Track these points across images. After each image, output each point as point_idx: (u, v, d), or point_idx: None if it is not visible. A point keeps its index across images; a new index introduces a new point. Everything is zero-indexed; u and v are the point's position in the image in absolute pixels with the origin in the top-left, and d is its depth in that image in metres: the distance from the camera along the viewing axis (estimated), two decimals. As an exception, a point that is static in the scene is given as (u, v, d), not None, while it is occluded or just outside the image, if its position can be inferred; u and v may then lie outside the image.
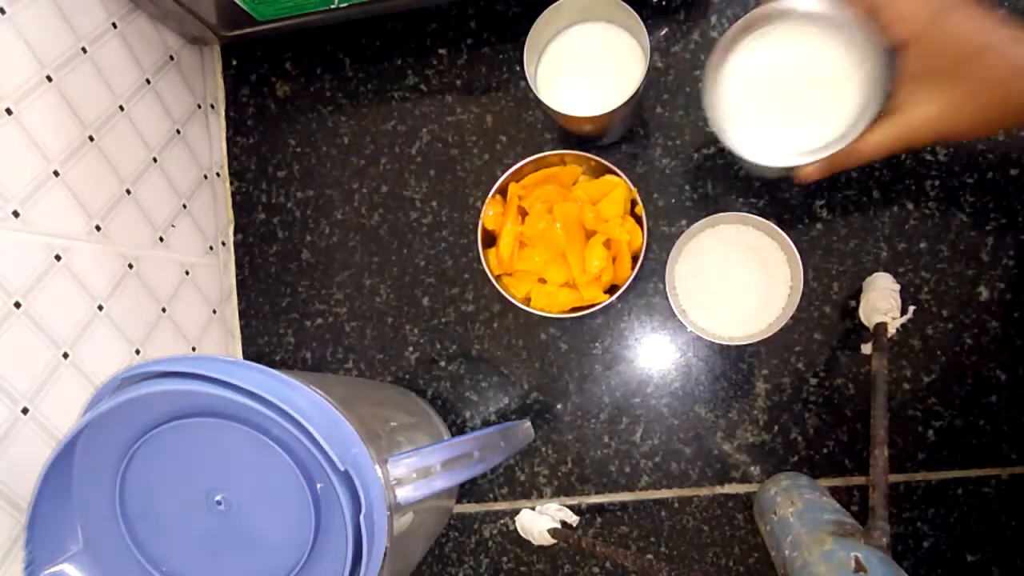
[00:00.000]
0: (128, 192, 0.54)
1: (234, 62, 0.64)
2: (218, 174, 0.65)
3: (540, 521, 0.52)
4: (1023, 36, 0.37)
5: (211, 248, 0.64)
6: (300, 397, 0.35)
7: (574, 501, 0.58)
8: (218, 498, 0.36)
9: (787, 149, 0.43)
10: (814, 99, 0.42)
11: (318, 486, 0.36)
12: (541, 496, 0.58)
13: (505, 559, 0.59)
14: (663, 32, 0.57)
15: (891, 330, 0.49)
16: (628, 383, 0.57)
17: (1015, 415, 0.52)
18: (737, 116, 0.43)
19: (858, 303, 0.53)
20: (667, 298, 0.50)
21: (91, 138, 0.50)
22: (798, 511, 0.45)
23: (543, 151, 0.51)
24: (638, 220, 0.51)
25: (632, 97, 0.47)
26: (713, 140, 0.55)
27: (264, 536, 0.37)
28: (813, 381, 0.54)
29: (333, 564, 0.36)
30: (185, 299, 0.59)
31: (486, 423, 0.59)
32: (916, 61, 0.38)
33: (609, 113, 0.47)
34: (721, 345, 0.54)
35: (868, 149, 0.41)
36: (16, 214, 0.43)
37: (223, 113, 0.64)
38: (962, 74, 0.37)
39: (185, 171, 0.61)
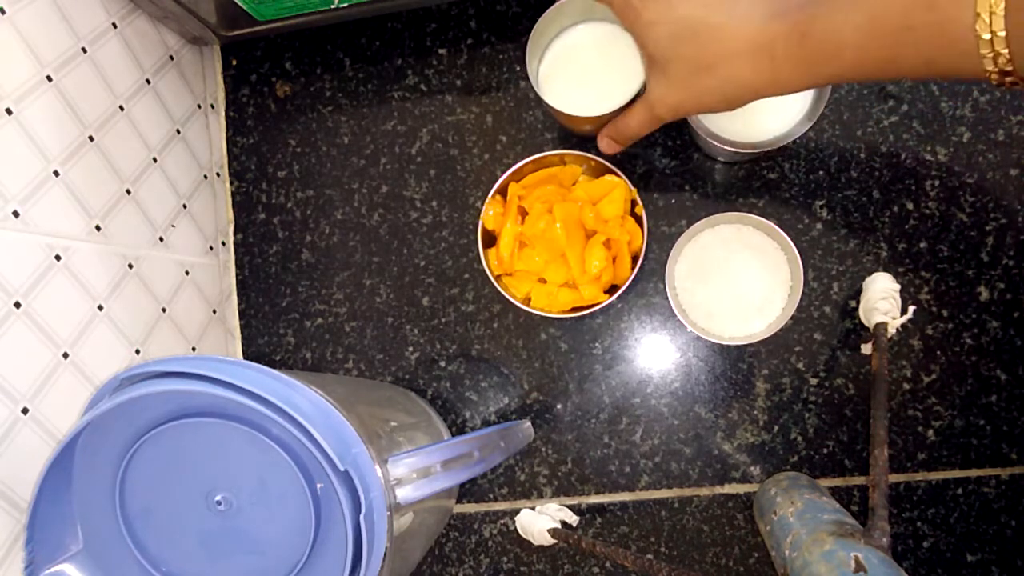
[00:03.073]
0: (128, 192, 0.54)
1: (234, 62, 0.64)
2: (218, 174, 0.65)
3: (540, 521, 0.52)
4: (734, 10, 0.36)
5: (211, 248, 0.64)
6: (300, 397, 0.35)
7: (574, 501, 0.58)
8: (218, 498, 0.36)
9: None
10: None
11: (318, 486, 0.36)
12: (541, 496, 0.58)
13: (505, 559, 0.59)
14: (663, 32, 0.57)
15: (891, 330, 0.49)
16: (628, 383, 0.57)
17: (1015, 415, 0.52)
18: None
19: (858, 303, 0.53)
20: (667, 298, 0.50)
21: (91, 138, 0.50)
22: (798, 511, 0.45)
23: (543, 151, 0.51)
24: (638, 220, 0.51)
25: (634, 97, 0.47)
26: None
27: (264, 536, 0.37)
28: (813, 381, 0.54)
29: (333, 564, 0.36)
30: (185, 299, 0.59)
31: (486, 423, 0.59)
32: (641, 46, 0.40)
33: (610, 113, 0.47)
34: (721, 345, 0.54)
35: (633, 125, 0.44)
36: (16, 214, 0.43)
37: (223, 113, 0.64)
38: (675, 56, 0.38)
39: (185, 171, 0.61)
